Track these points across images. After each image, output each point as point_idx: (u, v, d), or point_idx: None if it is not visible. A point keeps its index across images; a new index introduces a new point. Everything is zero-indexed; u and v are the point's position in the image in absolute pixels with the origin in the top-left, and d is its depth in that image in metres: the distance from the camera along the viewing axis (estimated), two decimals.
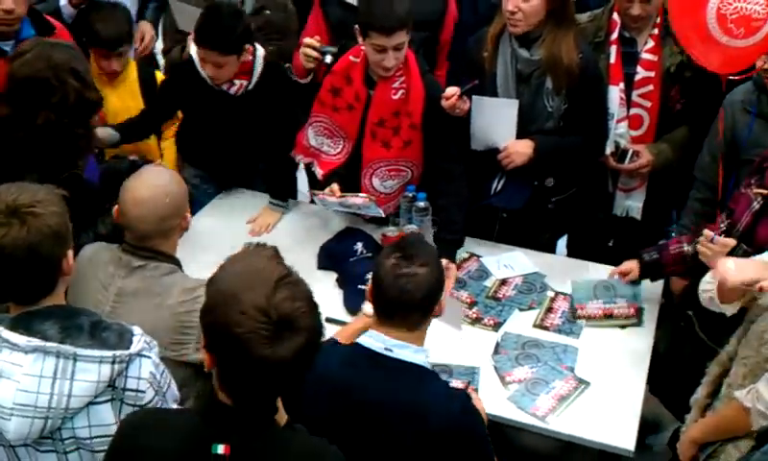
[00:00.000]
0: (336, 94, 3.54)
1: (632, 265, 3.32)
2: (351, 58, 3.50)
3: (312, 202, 4.02)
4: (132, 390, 2.07)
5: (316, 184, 3.80)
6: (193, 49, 3.62)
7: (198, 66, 3.60)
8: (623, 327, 3.28)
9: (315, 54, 3.50)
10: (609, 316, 3.29)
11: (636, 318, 3.29)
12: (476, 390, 2.92)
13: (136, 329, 2.13)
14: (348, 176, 3.59)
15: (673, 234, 4.16)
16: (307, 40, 3.54)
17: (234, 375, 1.76)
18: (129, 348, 2.07)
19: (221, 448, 1.76)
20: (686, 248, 3.18)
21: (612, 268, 3.48)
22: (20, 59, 2.88)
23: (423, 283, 2.37)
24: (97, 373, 2.01)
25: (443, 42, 3.99)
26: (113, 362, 2.02)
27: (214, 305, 1.76)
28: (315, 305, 1.79)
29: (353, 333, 2.70)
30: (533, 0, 3.35)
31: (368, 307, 2.79)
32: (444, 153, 3.54)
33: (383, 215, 3.60)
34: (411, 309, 2.38)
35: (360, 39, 3.38)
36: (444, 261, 2.86)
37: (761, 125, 3.13)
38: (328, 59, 3.51)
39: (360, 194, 3.54)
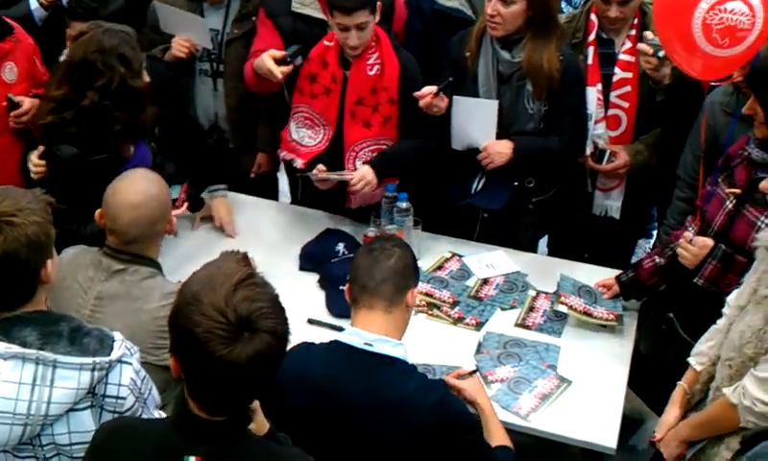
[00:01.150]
0: (313, 80, 3.58)
1: (614, 281, 3.33)
2: (326, 42, 3.56)
3: (291, 201, 4.00)
4: (112, 397, 2.06)
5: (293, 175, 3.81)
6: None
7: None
8: (603, 326, 3.28)
9: (288, 68, 3.51)
10: (588, 314, 3.29)
11: (616, 322, 3.28)
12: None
13: (117, 335, 2.13)
14: (332, 163, 3.60)
15: (654, 233, 4.20)
16: (272, 53, 3.51)
17: (196, 377, 1.76)
18: (109, 354, 2.06)
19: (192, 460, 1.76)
20: (659, 260, 3.21)
21: (594, 268, 3.50)
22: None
23: (395, 255, 2.46)
24: (77, 380, 2.01)
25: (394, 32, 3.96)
26: (93, 369, 2.02)
27: (178, 307, 1.77)
28: (279, 309, 1.78)
29: None
30: (512, 6, 3.37)
31: None
32: (414, 127, 3.59)
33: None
34: (383, 279, 2.42)
35: (329, 18, 3.44)
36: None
37: (742, 126, 3.15)
38: (299, 60, 3.55)
39: (345, 172, 3.56)
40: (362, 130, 3.57)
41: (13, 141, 3.52)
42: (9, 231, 2.03)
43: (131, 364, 2.10)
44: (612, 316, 3.28)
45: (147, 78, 3.11)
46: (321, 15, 3.64)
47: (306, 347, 2.50)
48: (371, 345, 2.38)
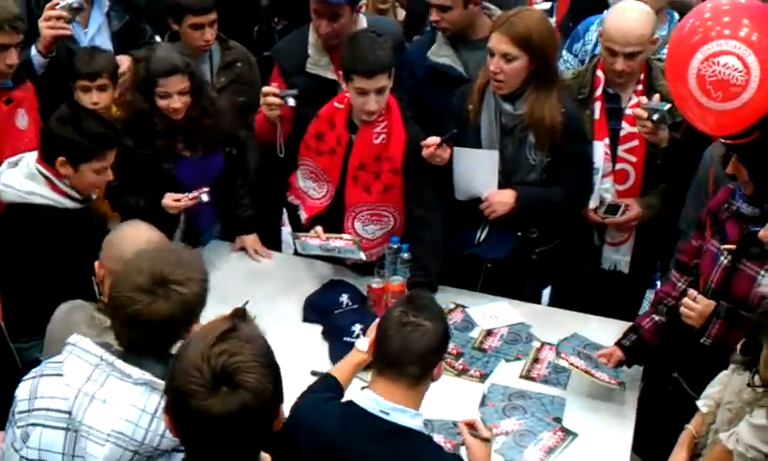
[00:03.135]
0: (320, 139, 3.62)
1: (614, 349, 3.27)
2: (336, 104, 3.60)
3: (295, 252, 4.02)
4: None
5: (299, 229, 3.81)
6: None
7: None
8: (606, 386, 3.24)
9: (277, 100, 3.59)
10: (590, 374, 3.23)
11: (618, 387, 3.22)
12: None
13: None
14: (332, 220, 3.63)
15: (658, 284, 4.19)
16: (266, 89, 3.63)
17: (183, 434, 1.76)
18: None
19: None
20: (657, 318, 3.19)
21: (600, 320, 3.49)
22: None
23: (428, 335, 2.36)
24: None
25: None
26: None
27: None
28: (265, 364, 1.74)
29: (350, 370, 2.72)
30: (515, 62, 3.40)
31: (361, 344, 2.77)
32: (419, 199, 3.61)
33: (364, 259, 3.61)
34: (411, 360, 2.34)
35: (344, 85, 3.46)
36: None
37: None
38: (291, 102, 3.61)
39: (343, 235, 3.58)
40: (362, 194, 3.59)
41: None
42: (176, 298, 2.13)
43: None
44: (613, 382, 3.22)
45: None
46: (333, 76, 3.70)
47: (324, 400, 2.46)
48: (387, 413, 2.32)
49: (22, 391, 2.19)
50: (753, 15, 2.86)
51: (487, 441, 2.64)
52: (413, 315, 2.38)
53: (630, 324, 3.35)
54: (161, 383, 2.03)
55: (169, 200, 3.58)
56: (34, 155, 3.24)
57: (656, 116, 3.39)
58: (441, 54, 3.84)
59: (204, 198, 3.60)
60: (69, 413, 2.08)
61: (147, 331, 2.13)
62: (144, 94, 3.57)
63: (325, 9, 3.67)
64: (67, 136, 3.16)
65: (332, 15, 3.67)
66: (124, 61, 3.90)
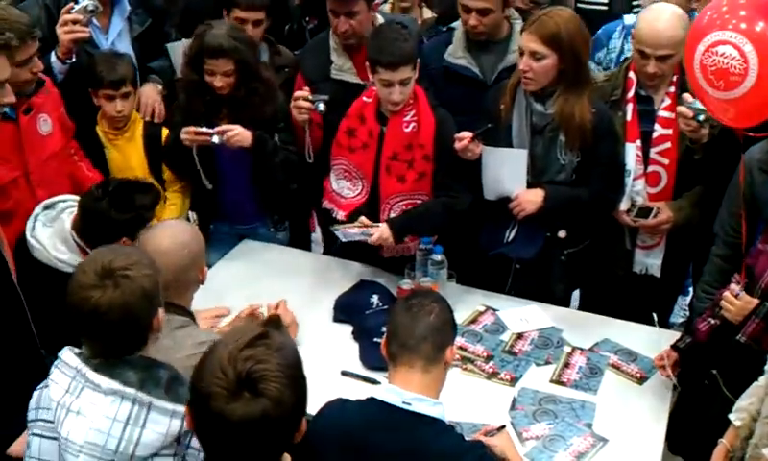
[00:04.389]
0: (351, 135, 3.66)
1: (669, 351, 3.23)
2: (364, 98, 3.66)
3: (324, 251, 4.03)
4: (195, 448, 2.08)
5: (332, 224, 3.83)
6: None
7: None
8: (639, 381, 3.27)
9: (307, 104, 3.64)
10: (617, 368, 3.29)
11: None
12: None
13: None
14: (369, 214, 3.66)
15: (690, 289, 4.16)
16: (298, 93, 3.69)
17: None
18: None
19: None
20: (713, 321, 3.15)
21: (631, 325, 3.48)
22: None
23: (434, 312, 2.44)
24: (167, 425, 2.06)
25: None
26: (184, 418, 2.04)
27: (201, 359, 1.78)
28: (292, 375, 1.74)
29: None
30: (544, 61, 3.41)
31: None
32: (446, 184, 3.64)
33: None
34: (423, 337, 2.39)
35: (371, 76, 3.51)
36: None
37: None
38: (321, 107, 3.65)
39: (381, 224, 3.60)
40: (396, 184, 3.62)
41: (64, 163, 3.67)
42: (126, 284, 2.13)
43: None
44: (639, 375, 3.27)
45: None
46: (358, 80, 3.77)
47: (341, 403, 2.48)
48: (409, 403, 2.34)
49: (31, 401, 2.25)
50: (753, 6, 2.88)
51: (501, 428, 2.75)
52: (418, 299, 2.49)
53: (664, 329, 3.32)
54: (131, 392, 2.07)
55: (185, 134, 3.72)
56: (71, 211, 3.18)
57: (702, 117, 3.35)
58: (458, 55, 3.88)
59: (215, 139, 3.68)
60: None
61: (109, 331, 2.13)
62: (194, 69, 3.73)
63: (341, 6, 3.76)
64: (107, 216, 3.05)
65: (348, 13, 3.76)
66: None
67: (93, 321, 2.11)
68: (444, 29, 3.93)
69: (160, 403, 2.07)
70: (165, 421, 2.06)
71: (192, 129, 3.70)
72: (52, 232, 3.13)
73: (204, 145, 3.76)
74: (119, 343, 2.17)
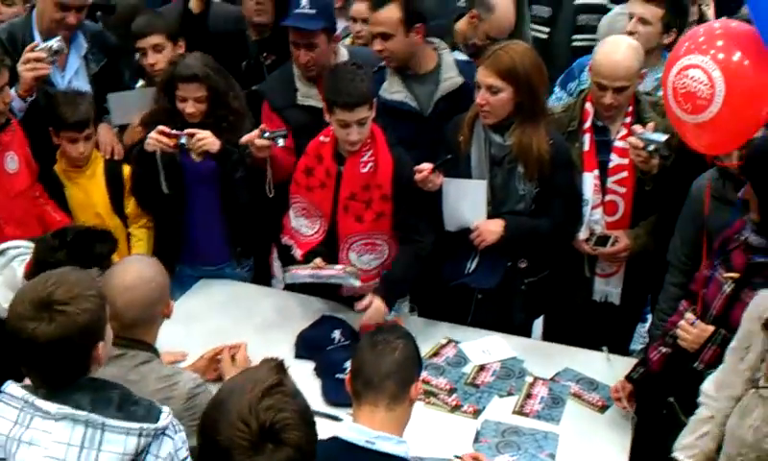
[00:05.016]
0: (309, 174, 3.65)
1: (623, 383, 3.27)
2: (321, 138, 3.64)
3: (285, 286, 4.01)
4: None
5: (288, 264, 3.81)
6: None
7: None
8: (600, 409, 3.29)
9: (266, 142, 3.61)
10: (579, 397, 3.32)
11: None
12: None
13: (165, 409, 2.17)
14: (327, 253, 3.64)
15: (648, 316, 4.20)
16: (256, 131, 3.64)
17: None
18: (156, 422, 2.10)
19: None
20: (665, 349, 3.19)
21: (592, 353, 3.50)
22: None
23: (399, 349, 2.43)
24: (123, 444, 2.06)
25: None
26: (140, 435, 2.07)
27: (205, 413, 1.77)
28: (308, 422, 1.75)
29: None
30: (500, 94, 3.46)
31: None
32: (407, 223, 3.64)
33: (358, 285, 3.61)
34: (387, 376, 2.38)
35: (327, 116, 3.50)
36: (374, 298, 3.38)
37: (729, 212, 3.18)
38: (281, 142, 3.63)
39: (337, 265, 3.59)
40: (355, 224, 3.61)
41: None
42: (60, 320, 2.09)
43: (173, 439, 2.12)
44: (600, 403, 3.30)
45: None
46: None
47: None
48: (372, 442, 2.32)
49: None
50: (731, 36, 2.97)
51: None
52: (383, 336, 2.47)
53: (623, 357, 3.35)
54: (83, 414, 2.05)
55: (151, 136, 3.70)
56: (23, 258, 3.06)
57: (652, 147, 3.43)
58: (393, 90, 3.88)
59: (183, 140, 3.68)
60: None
61: (46, 362, 2.11)
62: (167, 95, 3.78)
63: (301, 38, 3.78)
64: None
65: (308, 45, 3.78)
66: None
67: (30, 351, 2.09)
68: (376, 69, 3.96)
69: (113, 423, 2.06)
70: (121, 440, 2.05)
71: (160, 128, 3.69)
72: (1, 281, 3.05)
73: (170, 168, 3.76)
74: (58, 373, 2.13)
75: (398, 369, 2.40)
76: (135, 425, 2.06)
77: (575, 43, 5.24)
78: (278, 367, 1.85)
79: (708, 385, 2.78)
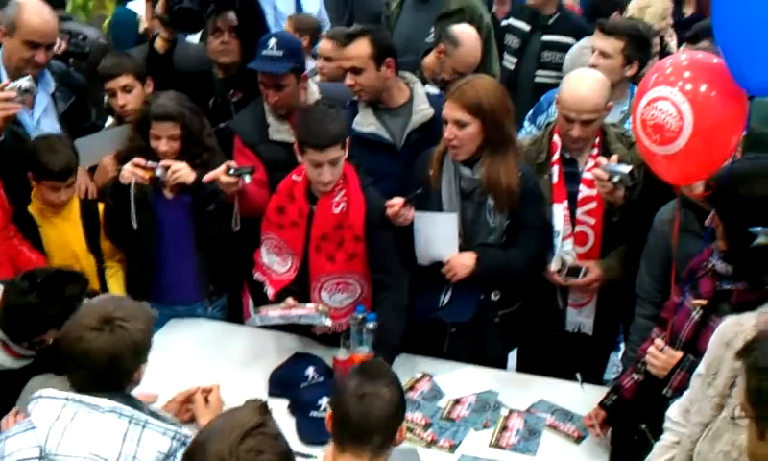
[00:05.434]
0: (281, 212, 3.64)
1: (597, 410, 3.28)
2: (294, 177, 3.63)
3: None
4: None
5: (263, 304, 3.77)
6: None
7: None
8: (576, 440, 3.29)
9: (233, 179, 3.60)
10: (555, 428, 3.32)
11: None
12: None
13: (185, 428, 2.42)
14: (300, 291, 3.62)
15: (621, 345, 4.22)
16: (221, 168, 3.63)
17: None
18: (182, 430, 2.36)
19: None
20: (636, 377, 3.21)
21: (566, 384, 3.51)
22: None
23: (387, 403, 2.37)
24: (160, 442, 2.28)
25: None
26: (174, 437, 2.31)
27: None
28: None
29: None
30: (467, 128, 3.48)
31: None
32: (382, 265, 3.62)
33: (329, 324, 3.59)
34: (374, 431, 2.34)
35: (299, 157, 3.50)
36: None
37: (693, 241, 3.22)
38: (247, 179, 3.62)
39: (308, 304, 3.57)
40: (326, 264, 3.60)
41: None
42: (120, 333, 2.37)
43: None
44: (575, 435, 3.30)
45: None
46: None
47: None
48: None
49: None
50: (698, 68, 3.00)
51: None
52: (369, 385, 2.39)
53: (597, 386, 3.36)
54: (128, 409, 2.29)
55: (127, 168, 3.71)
56: None
57: (616, 178, 3.46)
58: (366, 123, 3.92)
59: (159, 172, 3.69)
60: (40, 454, 2.25)
61: (98, 368, 2.34)
62: (141, 133, 3.79)
63: (269, 80, 3.80)
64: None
65: (276, 86, 3.80)
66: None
67: (83, 359, 2.34)
68: (348, 103, 3.99)
69: (154, 421, 2.30)
70: (158, 438, 2.27)
71: (135, 160, 3.68)
72: None
73: (142, 198, 3.75)
74: (103, 381, 2.35)
75: (387, 423, 2.36)
76: (171, 427, 2.32)
77: (537, 79, 5.33)
78: (261, 408, 1.85)
79: (673, 411, 2.80)
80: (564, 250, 3.73)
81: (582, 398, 3.42)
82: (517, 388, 3.57)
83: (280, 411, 3.39)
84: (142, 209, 3.78)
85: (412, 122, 3.92)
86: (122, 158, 3.82)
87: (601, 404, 3.27)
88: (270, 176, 3.79)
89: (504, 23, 5.79)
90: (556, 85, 5.03)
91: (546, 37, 5.48)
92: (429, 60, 4.79)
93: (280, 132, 3.88)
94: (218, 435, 1.71)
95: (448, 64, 4.61)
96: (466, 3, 5.17)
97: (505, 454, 3.21)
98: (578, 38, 5.26)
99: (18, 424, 2.38)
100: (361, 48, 3.83)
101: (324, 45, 4.93)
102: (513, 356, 4.24)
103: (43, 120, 3.99)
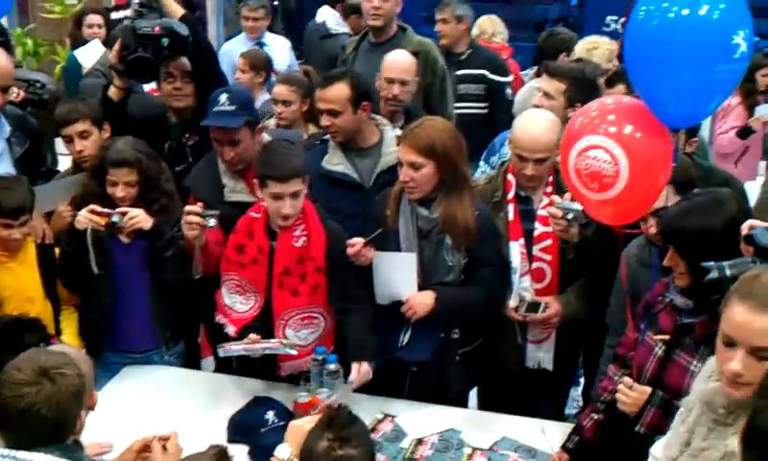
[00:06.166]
0: (241, 251, 3.63)
1: (560, 453, 3.28)
2: (252, 214, 3.63)
3: (215, 368, 3.94)
4: None
5: (220, 342, 3.73)
6: None
7: None
8: None
9: (198, 219, 3.58)
10: None
11: None
12: None
13: None
14: (264, 329, 3.60)
15: (581, 380, 4.24)
16: (189, 208, 3.63)
17: None
18: None
19: None
20: (596, 416, 3.23)
21: (529, 421, 3.51)
22: None
23: None
24: None
25: None
26: None
27: None
28: None
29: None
30: (422, 169, 3.52)
31: (282, 451, 2.62)
32: (343, 294, 3.64)
33: (296, 353, 3.58)
34: None
35: (259, 192, 3.51)
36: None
37: (650, 274, 3.26)
38: (212, 222, 3.60)
39: (272, 339, 3.55)
40: (291, 298, 3.59)
41: None
42: (61, 381, 2.30)
43: None
44: None
45: None
46: (253, 198, 3.75)
47: None
48: None
49: None
50: (620, 111, 3.08)
51: None
52: (339, 446, 2.28)
53: (559, 422, 3.36)
54: None
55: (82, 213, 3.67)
56: None
57: (570, 215, 3.51)
58: (335, 162, 3.97)
59: (115, 218, 3.65)
60: None
61: (43, 423, 2.27)
62: (97, 179, 3.76)
63: (223, 136, 3.81)
64: None
65: (232, 142, 3.81)
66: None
67: (24, 417, 2.25)
68: (318, 142, 4.02)
69: None
70: None
71: (91, 207, 3.65)
72: None
73: (99, 247, 3.72)
74: (45, 437, 2.28)
75: None
76: None
77: (457, 111, 5.47)
78: (221, 454, 1.83)
79: (656, 447, 2.79)
80: (522, 286, 3.76)
81: (543, 434, 3.42)
82: (480, 426, 3.56)
83: (241, 457, 3.34)
84: (97, 254, 3.74)
85: (381, 163, 3.97)
86: (77, 204, 3.78)
87: (564, 447, 3.27)
88: (226, 237, 3.72)
89: None
90: (476, 116, 5.32)
91: (460, 72, 5.77)
92: None
93: (236, 192, 3.89)
94: None
95: None
96: (421, 47, 5.25)
97: None
98: (491, 69, 5.80)
99: None
100: (340, 91, 3.90)
101: (280, 90, 4.96)
102: (474, 394, 4.24)
103: None
